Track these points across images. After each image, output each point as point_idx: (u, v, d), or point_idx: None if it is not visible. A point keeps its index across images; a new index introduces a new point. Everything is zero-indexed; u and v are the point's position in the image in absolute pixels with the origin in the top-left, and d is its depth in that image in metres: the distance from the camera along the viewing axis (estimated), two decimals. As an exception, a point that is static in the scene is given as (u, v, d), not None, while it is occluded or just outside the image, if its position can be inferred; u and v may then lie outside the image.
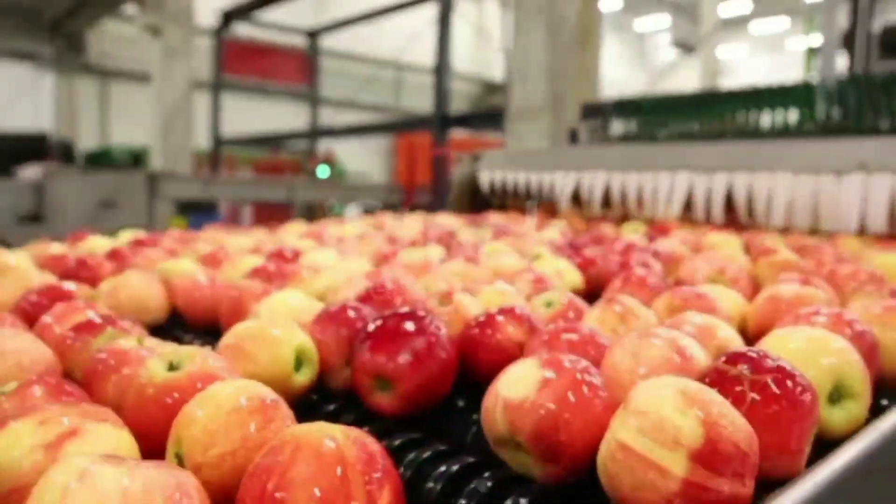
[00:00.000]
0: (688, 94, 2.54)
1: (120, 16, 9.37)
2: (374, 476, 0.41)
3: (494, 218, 2.05)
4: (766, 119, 2.06)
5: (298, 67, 11.44)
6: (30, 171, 5.32)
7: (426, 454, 0.57)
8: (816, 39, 5.68)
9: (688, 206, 1.95)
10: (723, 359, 0.55)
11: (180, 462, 0.48)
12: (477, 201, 2.49)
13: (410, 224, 1.85)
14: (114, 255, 1.23)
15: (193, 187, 5.62)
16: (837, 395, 0.60)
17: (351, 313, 0.74)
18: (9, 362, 0.64)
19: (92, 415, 0.48)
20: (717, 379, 0.53)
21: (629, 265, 1.13)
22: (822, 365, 0.59)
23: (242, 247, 1.41)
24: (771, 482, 0.49)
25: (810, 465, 0.51)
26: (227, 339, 0.70)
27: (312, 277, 1.01)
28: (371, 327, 0.68)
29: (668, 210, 1.96)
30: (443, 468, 0.54)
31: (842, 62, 2.38)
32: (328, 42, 11.07)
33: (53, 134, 8.37)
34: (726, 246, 1.35)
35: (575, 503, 0.52)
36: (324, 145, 10.90)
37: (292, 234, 1.63)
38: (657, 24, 18.61)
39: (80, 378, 0.65)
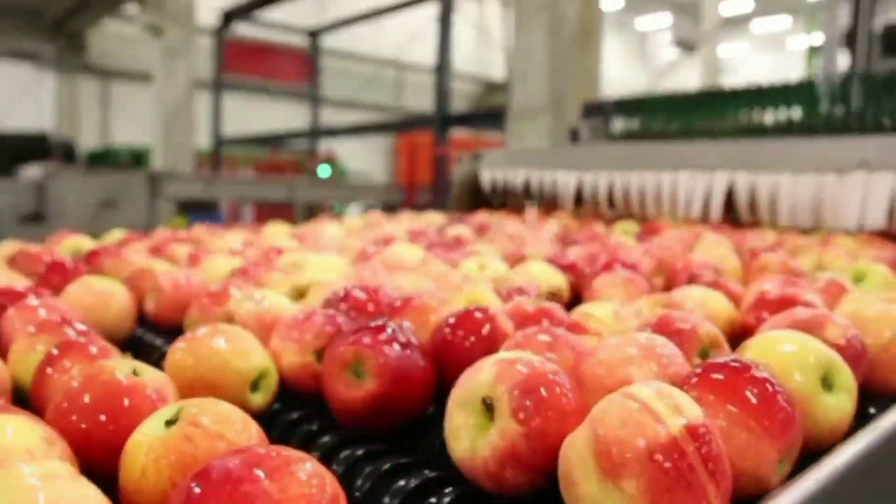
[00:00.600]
0: (689, 92, 2.54)
1: (121, 16, 9.37)
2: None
3: (482, 216, 2.03)
4: (768, 118, 2.05)
5: (299, 67, 11.44)
6: (31, 171, 5.33)
7: (385, 466, 0.54)
8: (818, 38, 5.68)
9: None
10: (699, 368, 0.52)
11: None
12: (478, 201, 2.49)
13: (396, 224, 1.83)
14: (91, 256, 1.18)
15: (194, 187, 5.62)
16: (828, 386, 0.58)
17: (318, 318, 0.72)
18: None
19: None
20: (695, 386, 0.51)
21: (613, 267, 1.09)
22: (809, 363, 0.57)
23: (223, 247, 1.37)
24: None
25: (810, 464, 0.51)
26: (181, 357, 0.65)
27: (285, 281, 0.98)
28: (350, 327, 0.68)
29: (676, 209, 1.96)
30: (402, 482, 0.52)
31: (843, 61, 2.37)
32: (329, 41, 11.07)
33: (54, 134, 8.38)
34: (717, 247, 1.32)
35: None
36: (325, 145, 10.90)
37: (278, 234, 1.60)
38: (658, 22, 18.59)
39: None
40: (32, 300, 0.81)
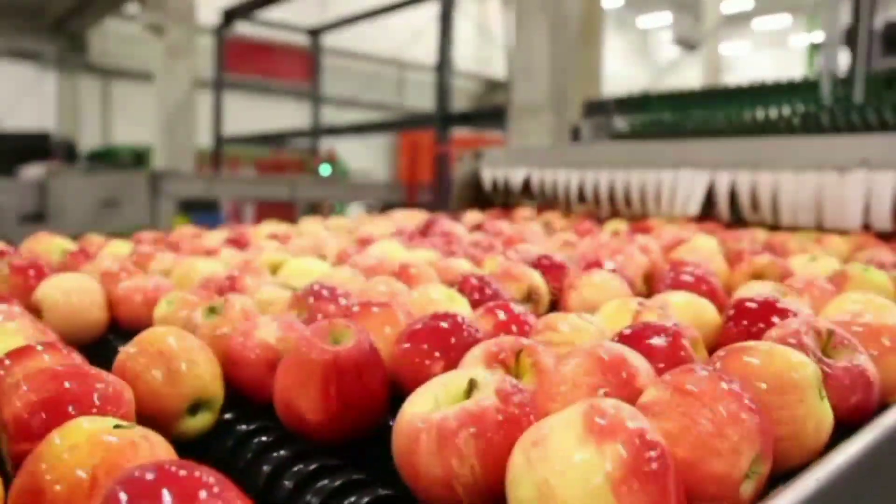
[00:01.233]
0: (690, 91, 2.53)
1: (122, 15, 9.38)
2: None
3: (472, 216, 2.01)
4: (769, 116, 2.05)
5: (300, 66, 11.44)
6: (32, 171, 5.34)
7: (337, 483, 0.52)
8: (818, 36, 5.67)
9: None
10: (669, 376, 0.50)
11: None
12: (479, 199, 2.49)
13: (381, 223, 1.80)
14: (66, 258, 1.15)
15: (196, 186, 5.63)
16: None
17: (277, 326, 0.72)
18: None
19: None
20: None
21: (593, 268, 1.06)
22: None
23: (203, 248, 1.32)
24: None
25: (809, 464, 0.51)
26: (127, 364, 0.62)
27: (257, 287, 0.94)
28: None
29: (675, 208, 1.96)
30: (352, 499, 0.50)
31: (844, 59, 2.37)
32: (330, 40, 11.07)
33: (56, 133, 8.38)
34: (703, 248, 1.28)
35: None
36: (326, 144, 10.90)
37: (260, 234, 1.57)
38: (660, 20, 18.58)
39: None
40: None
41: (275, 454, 0.57)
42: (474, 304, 0.86)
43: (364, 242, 1.39)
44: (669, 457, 0.41)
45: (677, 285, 0.96)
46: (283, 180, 6.71)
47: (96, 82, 10.91)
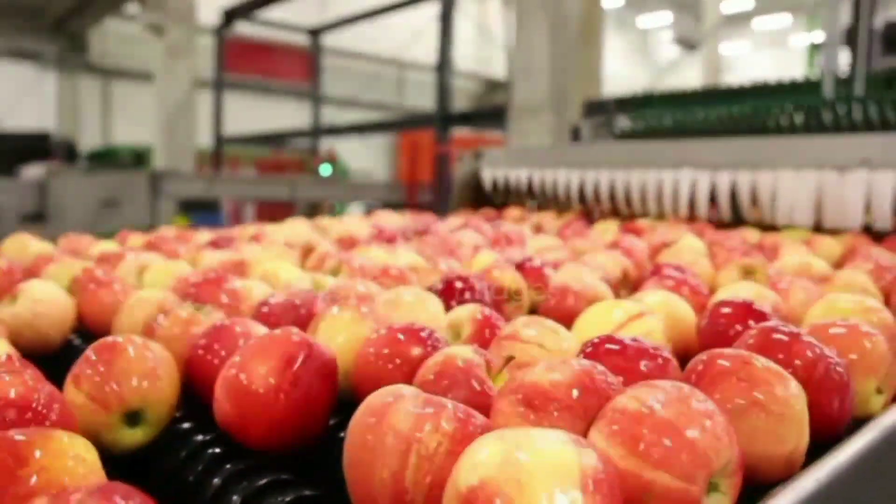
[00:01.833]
0: (690, 90, 2.53)
1: (122, 15, 9.38)
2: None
3: (457, 219, 1.98)
4: (770, 116, 2.05)
5: (301, 66, 11.45)
6: (33, 171, 5.34)
7: (288, 499, 0.50)
8: (819, 36, 5.67)
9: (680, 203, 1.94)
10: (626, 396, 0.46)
11: None
12: (479, 199, 2.49)
13: (356, 223, 1.77)
14: (36, 261, 1.12)
15: (196, 186, 5.63)
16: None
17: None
18: None
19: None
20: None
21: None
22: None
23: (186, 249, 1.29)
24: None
25: (807, 463, 0.51)
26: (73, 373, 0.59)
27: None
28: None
29: (675, 207, 1.96)
30: None
31: (844, 58, 2.37)
32: (330, 40, 11.07)
33: (56, 133, 8.39)
34: (689, 249, 1.26)
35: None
36: (326, 144, 10.91)
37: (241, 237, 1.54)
38: (660, 20, 18.59)
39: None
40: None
41: (227, 466, 0.55)
42: (450, 306, 0.84)
43: (347, 244, 1.38)
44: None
45: (658, 286, 0.94)
46: (284, 180, 6.71)
47: (96, 82, 10.91)
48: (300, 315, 0.78)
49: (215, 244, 1.36)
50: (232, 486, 0.53)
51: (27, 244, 1.29)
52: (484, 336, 0.71)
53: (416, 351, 0.63)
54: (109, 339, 0.62)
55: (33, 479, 0.40)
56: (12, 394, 0.51)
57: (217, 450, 0.58)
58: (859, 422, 0.59)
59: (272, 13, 9.56)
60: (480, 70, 14.49)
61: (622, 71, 16.72)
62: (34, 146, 6.65)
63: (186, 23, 7.33)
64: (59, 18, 8.70)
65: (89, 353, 0.60)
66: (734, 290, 0.89)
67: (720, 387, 0.51)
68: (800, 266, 1.10)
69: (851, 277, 0.97)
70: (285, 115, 11.78)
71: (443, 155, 6.72)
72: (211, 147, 9.37)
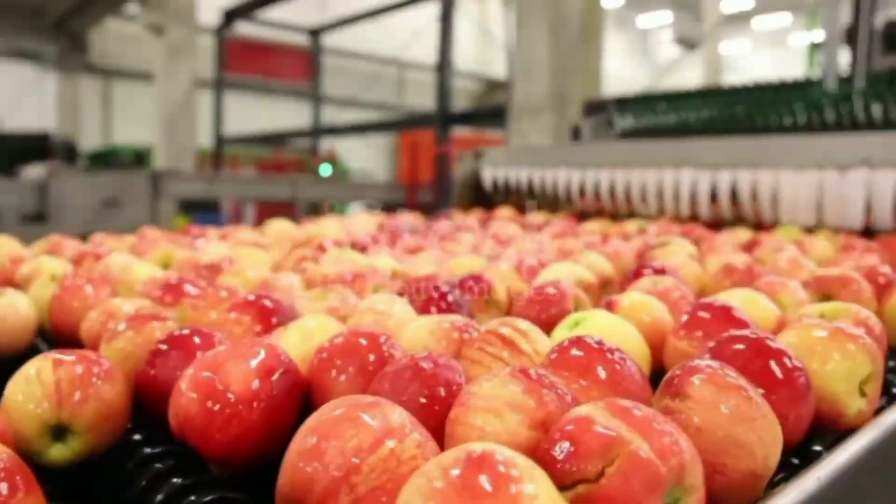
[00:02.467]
0: (691, 90, 2.54)
1: (122, 15, 9.38)
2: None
3: (445, 224, 1.97)
4: (770, 115, 2.05)
5: (301, 66, 11.44)
6: (33, 171, 5.34)
7: None
8: (819, 35, 5.67)
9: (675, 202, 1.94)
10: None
11: None
12: (479, 199, 2.49)
13: (330, 225, 1.75)
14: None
15: (197, 186, 5.63)
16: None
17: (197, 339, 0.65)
18: None
19: None
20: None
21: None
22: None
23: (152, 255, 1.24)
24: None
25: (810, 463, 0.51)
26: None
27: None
28: None
29: (676, 206, 1.96)
30: None
31: (844, 58, 2.37)
32: (330, 40, 11.07)
33: (56, 133, 8.39)
34: (677, 252, 1.24)
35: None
36: (326, 144, 10.90)
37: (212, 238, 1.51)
38: (660, 20, 18.58)
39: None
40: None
41: (173, 480, 0.52)
42: (422, 310, 0.83)
43: (320, 247, 1.35)
44: None
45: (636, 288, 0.92)
46: (284, 180, 6.71)
47: (96, 82, 10.91)
48: (270, 323, 0.75)
49: (192, 245, 1.36)
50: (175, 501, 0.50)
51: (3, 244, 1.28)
52: (453, 340, 0.68)
53: (372, 357, 0.60)
54: (54, 352, 0.59)
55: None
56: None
57: (162, 465, 0.55)
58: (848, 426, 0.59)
59: (272, 13, 9.56)
60: (480, 70, 14.49)
61: (622, 71, 16.71)
62: (34, 146, 6.66)
63: (187, 23, 7.33)
64: (60, 18, 8.70)
65: (32, 363, 0.57)
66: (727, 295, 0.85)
67: (691, 398, 0.48)
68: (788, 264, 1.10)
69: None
70: (285, 115, 11.77)
71: (443, 155, 6.72)
72: (211, 147, 9.37)
